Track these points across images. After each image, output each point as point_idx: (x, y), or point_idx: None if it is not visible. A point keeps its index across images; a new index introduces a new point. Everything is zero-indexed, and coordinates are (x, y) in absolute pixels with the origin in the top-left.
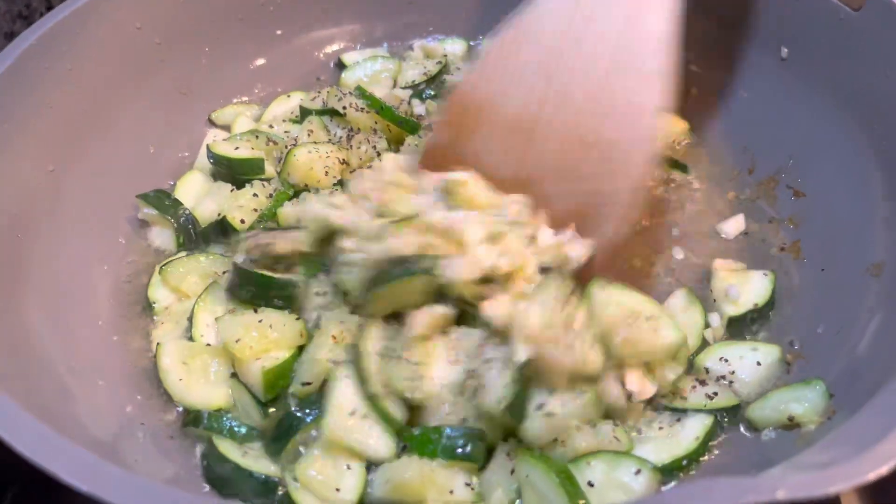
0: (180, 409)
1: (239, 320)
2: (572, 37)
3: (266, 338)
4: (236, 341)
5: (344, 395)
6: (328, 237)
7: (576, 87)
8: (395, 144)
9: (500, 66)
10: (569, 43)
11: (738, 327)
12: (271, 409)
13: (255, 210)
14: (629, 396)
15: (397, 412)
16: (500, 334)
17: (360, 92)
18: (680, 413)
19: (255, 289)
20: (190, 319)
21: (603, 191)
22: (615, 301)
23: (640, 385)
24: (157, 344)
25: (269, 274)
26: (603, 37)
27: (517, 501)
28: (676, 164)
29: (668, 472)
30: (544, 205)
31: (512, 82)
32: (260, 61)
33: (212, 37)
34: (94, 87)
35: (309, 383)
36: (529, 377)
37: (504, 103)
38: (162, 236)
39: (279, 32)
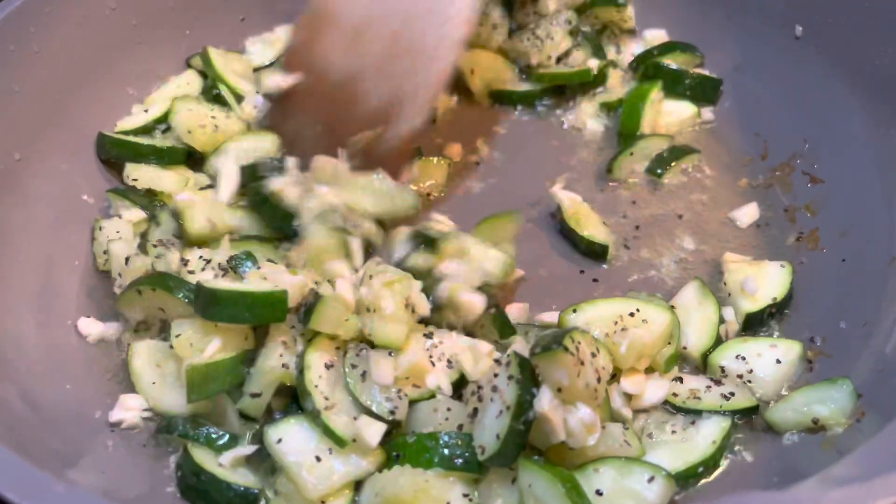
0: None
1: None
2: None
3: (208, 336)
4: (176, 336)
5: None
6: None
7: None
8: None
9: None
10: None
11: (755, 323)
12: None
13: None
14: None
15: (348, 428)
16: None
17: None
18: (694, 415)
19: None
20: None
21: (406, 87)
22: (596, 317)
23: (639, 387)
24: (129, 345)
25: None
26: None
27: None
28: (686, 150)
29: (684, 479)
30: (361, 101)
31: None
32: (242, 44)
33: (192, 18)
34: (65, 71)
35: (258, 394)
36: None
37: (346, 11)
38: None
39: (261, 14)
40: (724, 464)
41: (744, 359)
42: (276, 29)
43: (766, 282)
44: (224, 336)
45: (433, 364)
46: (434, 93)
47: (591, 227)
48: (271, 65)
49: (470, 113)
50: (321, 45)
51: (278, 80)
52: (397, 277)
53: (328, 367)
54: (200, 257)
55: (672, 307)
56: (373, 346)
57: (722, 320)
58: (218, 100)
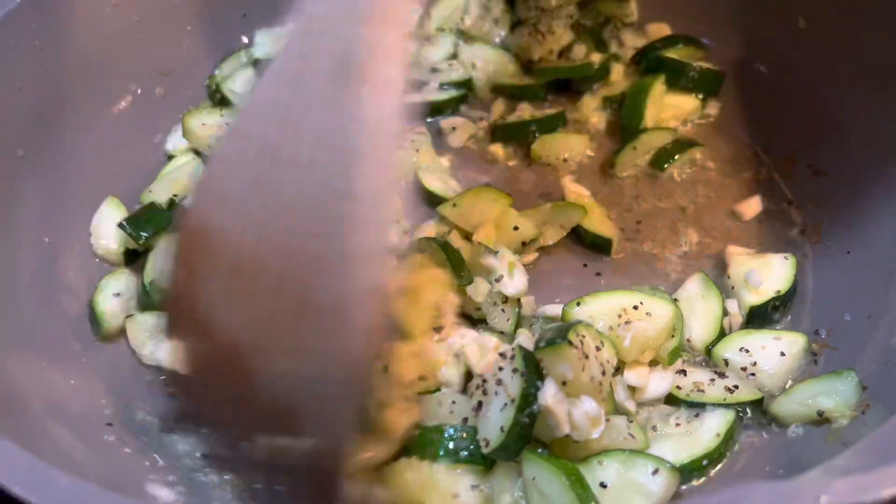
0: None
1: None
2: (277, 147)
3: None
4: None
5: None
6: None
7: (274, 221)
8: None
9: (217, 186)
10: (275, 154)
11: (759, 316)
12: None
13: None
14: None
15: None
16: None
17: None
18: (698, 408)
19: None
20: None
21: (325, 359)
22: (600, 310)
23: (643, 380)
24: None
25: None
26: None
27: None
28: (689, 143)
29: (688, 472)
30: (259, 383)
31: (227, 207)
32: (244, 40)
33: (193, 14)
34: (67, 66)
35: None
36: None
37: (223, 242)
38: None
39: (264, 9)
40: (728, 456)
41: (748, 351)
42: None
43: (769, 274)
44: None
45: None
46: (368, 369)
47: (596, 221)
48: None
49: None
50: (201, 283)
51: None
52: None
53: None
54: None
55: (675, 300)
56: None
57: (725, 313)
58: (224, 102)
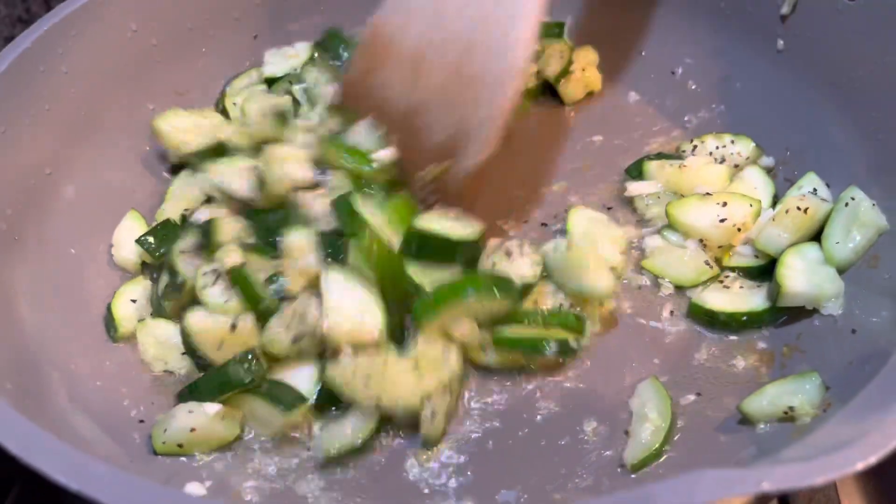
0: None
1: None
2: None
3: None
4: None
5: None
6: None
7: (456, 25)
8: None
9: (400, 5)
10: None
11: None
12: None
13: None
14: None
15: None
16: None
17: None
18: None
19: None
20: None
21: (470, 120)
22: None
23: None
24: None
25: None
26: None
27: None
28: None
29: None
30: (425, 135)
31: (408, 21)
32: (255, 61)
33: (207, 37)
34: (91, 89)
35: None
36: None
37: (402, 39)
38: None
39: (274, 31)
40: (692, 446)
41: None
42: (296, 45)
43: None
44: None
45: None
46: (499, 125)
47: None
48: (283, 77)
49: None
50: (379, 77)
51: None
52: None
53: None
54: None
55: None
56: None
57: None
58: (226, 114)
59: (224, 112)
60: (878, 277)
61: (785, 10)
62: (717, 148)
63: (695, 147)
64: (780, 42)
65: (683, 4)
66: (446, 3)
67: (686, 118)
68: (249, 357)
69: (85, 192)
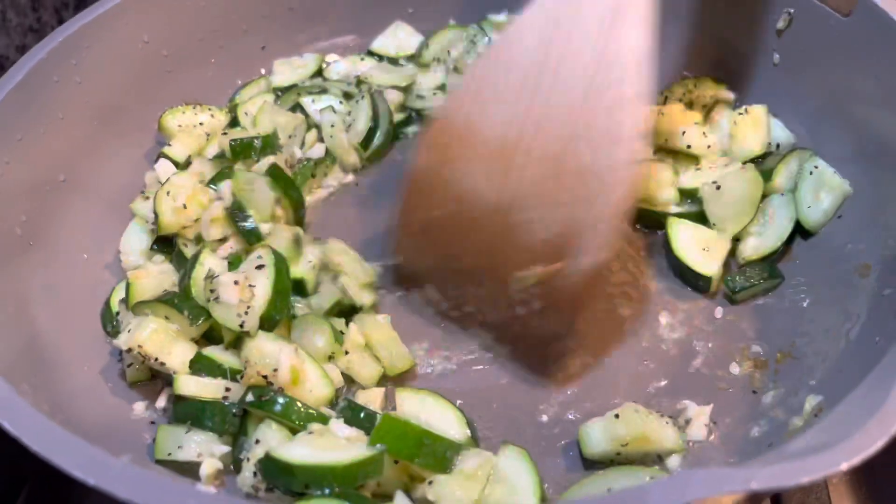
0: None
1: None
2: (550, 57)
3: None
4: None
5: None
6: None
7: (553, 111)
8: None
9: (480, 90)
10: (546, 65)
11: None
12: None
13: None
14: None
15: None
16: None
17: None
18: None
19: None
20: None
21: (581, 217)
22: None
23: None
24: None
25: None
26: (580, 56)
27: None
28: None
29: None
30: (524, 232)
31: (491, 107)
32: (263, 71)
33: (217, 48)
34: (104, 98)
35: None
36: None
37: (484, 128)
38: None
39: (282, 42)
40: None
41: None
42: (304, 55)
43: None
44: None
45: None
46: (617, 222)
47: None
48: (293, 87)
49: None
50: (458, 169)
51: None
52: None
53: None
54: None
55: None
56: None
57: None
58: (235, 123)
59: (235, 122)
60: (868, 286)
61: (781, 24)
62: (685, 94)
63: (665, 98)
64: (776, 56)
65: (681, 15)
66: (539, 81)
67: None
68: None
69: (97, 199)
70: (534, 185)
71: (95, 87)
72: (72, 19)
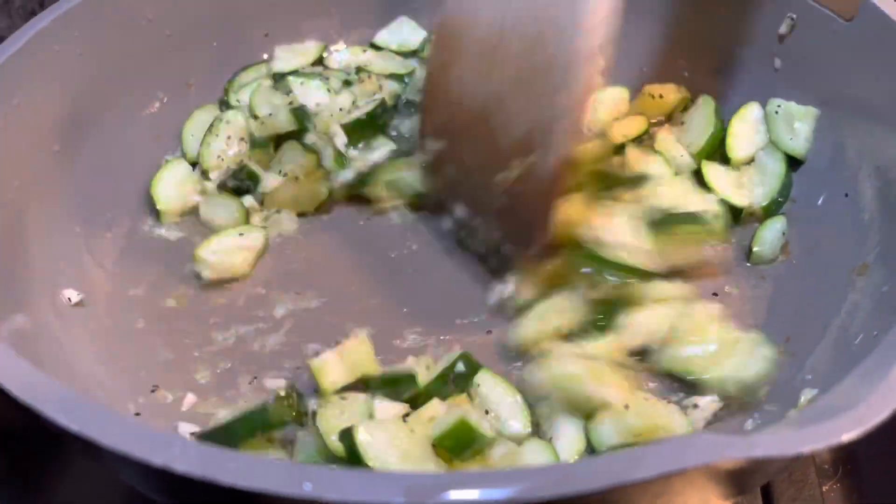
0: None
1: None
2: None
3: None
4: None
5: None
6: None
7: (526, 5)
8: None
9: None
10: None
11: None
12: None
13: None
14: None
15: None
16: None
17: None
18: None
19: None
20: None
21: (549, 109)
22: None
23: None
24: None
25: None
26: None
27: None
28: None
29: None
30: (501, 134)
31: (477, 8)
32: (264, 56)
33: (220, 31)
34: (104, 73)
35: None
36: None
37: (472, 31)
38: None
39: (285, 29)
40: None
41: None
42: (307, 42)
43: None
44: None
45: None
46: (582, 114)
47: None
48: (295, 73)
49: None
50: (454, 72)
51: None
52: None
53: None
54: None
55: None
56: None
57: None
58: (228, 106)
59: (226, 104)
60: (867, 283)
61: (783, 29)
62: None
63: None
64: (777, 61)
65: (684, 21)
66: None
67: None
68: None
69: (91, 172)
70: (510, 82)
71: (95, 61)
72: None
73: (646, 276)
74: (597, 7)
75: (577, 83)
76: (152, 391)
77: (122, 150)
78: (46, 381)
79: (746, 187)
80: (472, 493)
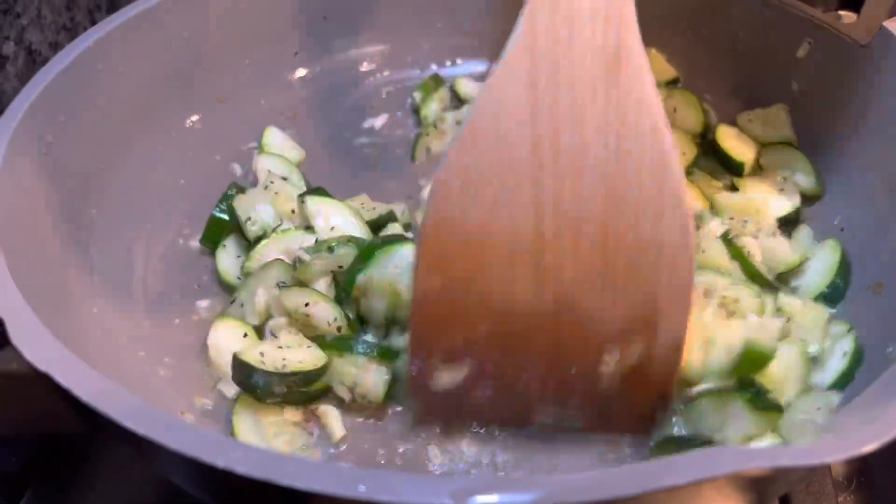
0: None
1: None
2: (543, 121)
3: None
4: None
5: None
6: None
7: (567, 186)
8: None
9: (466, 183)
10: (540, 131)
11: None
12: None
13: None
14: None
15: None
16: None
17: None
18: None
19: None
20: None
21: (651, 292)
22: None
23: None
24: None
25: None
26: (584, 111)
27: None
28: None
29: None
30: (588, 331)
31: (488, 201)
32: (301, 73)
33: (252, 48)
34: (143, 90)
35: None
36: None
37: (492, 226)
38: None
39: (315, 49)
40: None
41: None
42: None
43: None
44: None
45: None
46: (689, 299)
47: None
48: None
49: None
50: (472, 286)
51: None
52: None
53: None
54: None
55: None
56: None
57: None
58: None
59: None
60: (882, 301)
61: (800, 53)
62: None
63: None
64: (795, 84)
65: (704, 42)
66: (539, 154)
67: None
68: None
69: (133, 190)
70: (577, 280)
71: (135, 78)
72: (118, 12)
73: None
74: (670, 170)
75: (678, 251)
76: None
77: (160, 165)
78: (115, 389)
79: None
80: (513, 498)
